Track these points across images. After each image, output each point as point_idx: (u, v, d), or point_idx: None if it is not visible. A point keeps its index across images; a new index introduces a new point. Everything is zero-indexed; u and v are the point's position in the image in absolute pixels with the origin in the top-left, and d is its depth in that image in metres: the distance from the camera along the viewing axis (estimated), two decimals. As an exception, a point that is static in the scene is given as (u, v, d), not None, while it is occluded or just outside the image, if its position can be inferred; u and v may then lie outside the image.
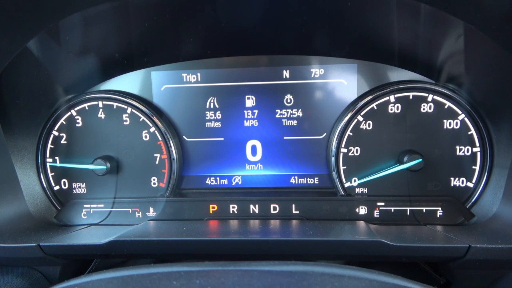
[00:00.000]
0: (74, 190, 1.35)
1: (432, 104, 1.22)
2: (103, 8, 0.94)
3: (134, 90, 1.34)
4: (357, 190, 1.28)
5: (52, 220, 1.31)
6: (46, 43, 1.04)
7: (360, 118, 1.25)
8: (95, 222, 1.31)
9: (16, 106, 1.18)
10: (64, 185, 1.35)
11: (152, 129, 1.31)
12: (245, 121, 1.34)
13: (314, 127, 1.32)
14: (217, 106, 1.34)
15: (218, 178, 1.39)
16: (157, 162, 1.32)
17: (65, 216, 1.32)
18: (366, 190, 1.28)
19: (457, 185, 1.24)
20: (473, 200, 1.23)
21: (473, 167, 1.22)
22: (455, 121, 1.22)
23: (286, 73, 1.30)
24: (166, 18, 1.05)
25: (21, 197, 1.24)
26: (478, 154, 1.22)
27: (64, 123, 1.33)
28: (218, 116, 1.34)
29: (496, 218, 1.14)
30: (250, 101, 1.33)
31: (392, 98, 1.23)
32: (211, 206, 1.29)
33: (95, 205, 1.32)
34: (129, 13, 1.00)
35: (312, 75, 1.30)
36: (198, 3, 0.98)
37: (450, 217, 1.22)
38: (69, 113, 1.32)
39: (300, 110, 1.32)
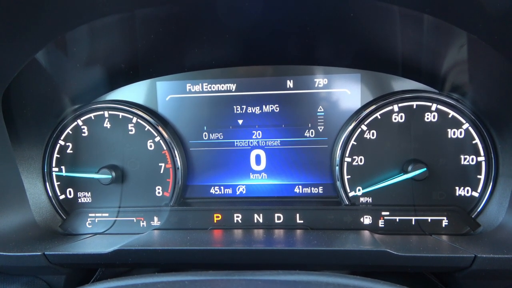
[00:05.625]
0: (79, 199, 1.36)
1: (436, 114, 1.22)
2: (109, 20, 0.96)
3: (140, 100, 1.36)
4: (362, 199, 1.28)
5: (57, 229, 1.32)
6: (54, 54, 1.06)
7: (364, 127, 1.25)
8: (100, 231, 1.32)
9: (24, 116, 1.20)
10: (70, 194, 1.36)
11: (157, 139, 1.32)
12: (249, 131, 1.35)
13: (318, 137, 1.33)
14: (221, 116, 1.35)
15: (222, 187, 1.39)
16: (161, 171, 1.33)
17: (70, 225, 1.33)
18: (370, 200, 1.27)
19: (462, 194, 1.23)
20: (478, 210, 1.22)
21: (478, 176, 1.22)
22: (459, 130, 1.22)
23: (290, 83, 1.31)
24: (172, 29, 1.06)
25: (27, 206, 1.25)
26: (483, 163, 1.21)
27: (70, 132, 1.34)
28: (222, 125, 1.35)
29: (502, 228, 1.13)
30: (254, 111, 1.34)
31: (395, 107, 1.24)
32: (215, 215, 1.29)
33: (100, 214, 1.33)
34: (135, 24, 1.01)
35: (316, 85, 1.31)
36: (203, 14, 1.00)
37: (455, 226, 1.21)
38: (75, 123, 1.34)
39: (303, 119, 1.32)
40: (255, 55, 1.28)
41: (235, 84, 1.33)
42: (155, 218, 1.32)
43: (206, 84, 1.33)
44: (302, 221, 1.27)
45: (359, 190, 1.27)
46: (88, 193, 1.35)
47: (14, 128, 1.18)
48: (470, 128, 1.21)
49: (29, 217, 1.25)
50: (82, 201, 1.36)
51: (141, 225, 1.32)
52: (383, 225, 1.25)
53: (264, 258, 0.99)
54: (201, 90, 1.34)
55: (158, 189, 1.34)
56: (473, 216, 1.22)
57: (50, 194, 1.35)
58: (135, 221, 1.32)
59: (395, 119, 1.24)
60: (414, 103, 1.23)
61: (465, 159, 1.22)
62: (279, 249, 1.00)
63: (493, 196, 1.20)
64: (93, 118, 1.33)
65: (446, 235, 1.20)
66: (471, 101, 1.20)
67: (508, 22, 0.85)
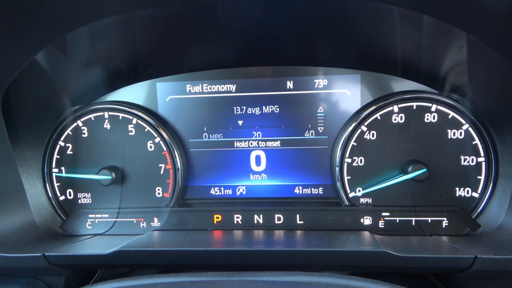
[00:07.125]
0: (79, 200, 1.35)
1: (436, 114, 1.22)
2: (109, 21, 0.96)
3: (140, 101, 1.36)
4: (362, 200, 1.28)
5: (57, 230, 1.32)
6: (54, 55, 1.06)
7: (364, 128, 1.25)
8: (100, 232, 1.32)
9: (24, 117, 1.20)
10: (70, 195, 1.36)
11: (157, 140, 1.32)
12: (249, 131, 1.35)
13: (318, 137, 1.33)
14: (221, 117, 1.35)
15: (222, 188, 1.39)
16: (161, 172, 1.33)
17: (70, 226, 1.33)
18: (370, 200, 1.27)
19: (462, 195, 1.23)
20: (478, 211, 1.22)
21: (478, 177, 1.22)
22: (459, 131, 1.22)
23: (290, 84, 1.31)
24: (171, 30, 1.06)
25: (27, 207, 1.25)
26: (483, 164, 1.21)
27: (70, 133, 1.34)
28: (222, 126, 1.35)
29: (502, 229, 1.13)
30: (254, 111, 1.34)
31: (395, 108, 1.24)
32: (215, 216, 1.29)
33: (100, 215, 1.33)
34: (135, 26, 1.02)
35: (316, 86, 1.31)
36: (203, 15, 1.00)
37: (455, 227, 1.21)
38: (75, 124, 1.34)
39: (303, 120, 1.32)
40: (255, 56, 1.28)
41: (235, 85, 1.33)
42: (155, 219, 1.32)
43: (206, 85, 1.33)
44: (302, 222, 1.27)
45: (359, 190, 1.27)
46: (88, 194, 1.35)
47: (14, 129, 1.18)
48: (470, 129, 1.21)
49: (29, 218, 1.25)
50: (82, 202, 1.35)
51: (141, 226, 1.32)
52: (383, 226, 1.25)
53: (264, 259, 0.99)
54: (201, 91, 1.34)
55: (158, 190, 1.34)
56: (473, 217, 1.22)
57: (50, 195, 1.35)
58: (135, 222, 1.32)
59: (395, 119, 1.24)
60: (414, 104, 1.23)
61: (465, 159, 1.22)
62: (279, 250, 1.00)
63: (493, 196, 1.20)
64: (93, 119, 1.33)
65: (446, 235, 1.20)
66: (471, 102, 1.20)
67: (508, 23, 0.85)
